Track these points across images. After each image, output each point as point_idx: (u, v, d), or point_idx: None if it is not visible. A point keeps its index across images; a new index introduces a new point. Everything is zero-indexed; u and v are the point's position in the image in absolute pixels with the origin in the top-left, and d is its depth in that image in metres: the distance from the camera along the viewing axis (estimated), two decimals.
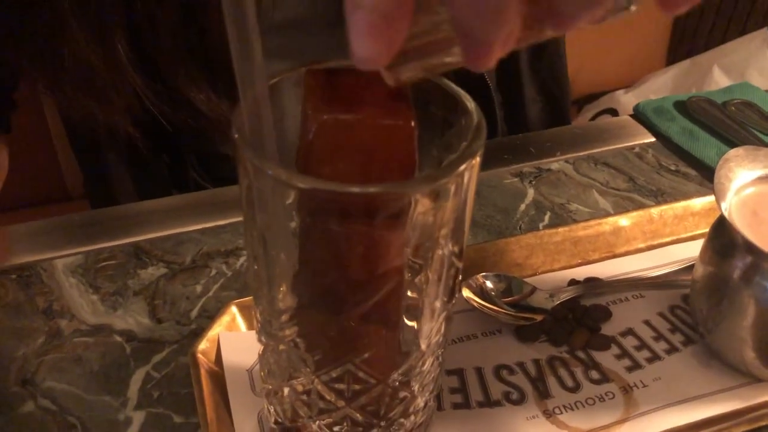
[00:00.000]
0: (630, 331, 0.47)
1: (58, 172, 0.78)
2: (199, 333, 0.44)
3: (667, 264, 0.51)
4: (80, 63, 0.52)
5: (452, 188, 0.27)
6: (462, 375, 0.44)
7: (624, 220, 0.53)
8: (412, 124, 0.28)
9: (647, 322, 0.48)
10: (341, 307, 0.30)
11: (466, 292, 0.47)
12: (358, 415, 0.32)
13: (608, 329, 0.47)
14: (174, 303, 0.48)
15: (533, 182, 0.60)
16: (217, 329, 0.44)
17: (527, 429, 0.41)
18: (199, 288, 0.49)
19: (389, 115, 0.28)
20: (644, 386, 0.44)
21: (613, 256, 0.52)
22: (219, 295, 0.49)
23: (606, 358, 0.45)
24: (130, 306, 0.48)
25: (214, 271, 0.50)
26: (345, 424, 0.33)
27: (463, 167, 0.27)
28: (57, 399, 0.42)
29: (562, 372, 0.44)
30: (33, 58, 0.54)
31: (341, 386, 0.31)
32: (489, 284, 0.47)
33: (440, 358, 0.34)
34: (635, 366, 0.45)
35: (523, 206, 0.57)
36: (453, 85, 0.30)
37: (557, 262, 0.51)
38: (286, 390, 0.33)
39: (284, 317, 0.30)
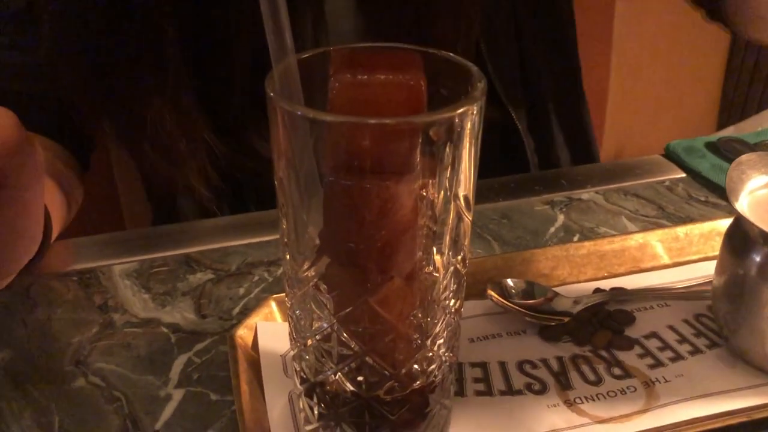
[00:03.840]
0: (654, 334, 0.48)
1: (119, 214, 0.85)
2: None
3: (692, 279, 0.53)
4: (159, 129, 0.59)
5: (456, 127, 0.30)
6: (486, 368, 0.46)
7: (650, 237, 0.55)
8: (422, 84, 0.32)
9: (671, 327, 0.49)
10: (359, 256, 0.33)
11: (491, 292, 0.49)
12: (374, 363, 0.34)
13: (632, 332, 0.48)
14: (218, 302, 0.52)
15: (564, 209, 0.62)
16: (255, 318, 0.47)
17: (548, 416, 0.42)
18: (241, 290, 0.53)
19: (401, 76, 0.32)
20: (666, 381, 0.44)
21: (639, 271, 0.54)
22: (260, 296, 0.52)
23: (629, 357, 0.46)
24: (177, 304, 0.52)
25: (256, 277, 0.54)
26: (363, 373, 0.35)
27: (463, 109, 0.30)
28: (106, 377, 0.45)
29: (585, 368, 0.46)
30: (116, 126, 0.62)
31: (358, 328, 0.34)
32: (512, 286, 0.49)
33: (452, 315, 0.36)
34: (658, 364, 0.46)
35: (552, 229, 0.59)
36: (457, 57, 0.34)
37: (583, 274, 0.53)
38: (309, 341, 0.36)
39: (307, 264, 0.33)
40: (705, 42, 1.50)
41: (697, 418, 0.41)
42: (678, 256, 0.55)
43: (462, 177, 0.33)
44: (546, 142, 0.77)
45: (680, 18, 1.47)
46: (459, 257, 0.35)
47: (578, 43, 0.78)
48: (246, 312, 0.50)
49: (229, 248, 0.57)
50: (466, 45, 0.67)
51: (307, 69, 0.34)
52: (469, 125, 0.32)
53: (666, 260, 0.55)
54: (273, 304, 0.48)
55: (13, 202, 0.38)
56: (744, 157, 0.47)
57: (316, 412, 0.38)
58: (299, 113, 0.30)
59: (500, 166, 0.70)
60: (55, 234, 0.56)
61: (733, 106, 1.54)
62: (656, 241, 0.55)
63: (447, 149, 0.32)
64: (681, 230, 0.56)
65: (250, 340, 0.46)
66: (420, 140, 0.31)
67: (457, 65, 0.34)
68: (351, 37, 0.67)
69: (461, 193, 0.34)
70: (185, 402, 0.44)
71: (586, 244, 0.54)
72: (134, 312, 0.51)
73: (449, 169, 0.33)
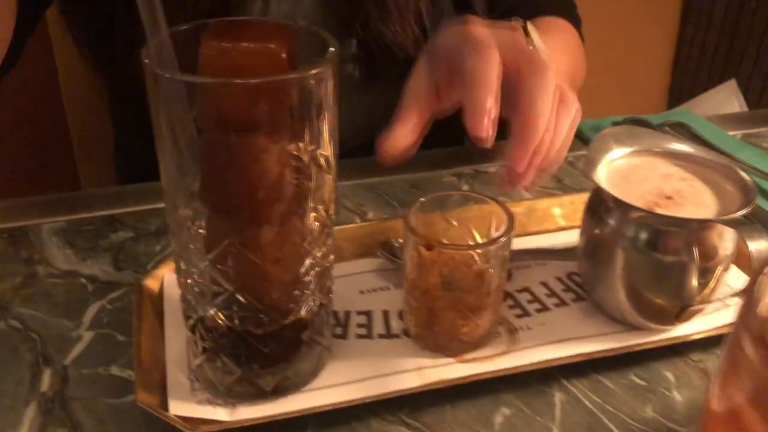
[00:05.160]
0: (526, 289, 0.53)
1: (75, 174, 0.89)
2: None
3: (572, 242, 0.58)
4: None
5: (310, 89, 0.35)
6: (370, 315, 0.51)
7: (538, 204, 0.60)
8: (282, 51, 0.36)
9: (544, 283, 0.54)
10: (229, 204, 0.38)
11: (382, 252, 0.54)
12: (244, 299, 0.39)
13: (507, 287, 0.53)
14: (135, 258, 0.56)
15: (470, 181, 0.67)
16: (164, 270, 0.52)
17: (418, 355, 0.47)
18: (158, 248, 0.57)
19: (263, 44, 0.37)
20: (529, 329, 0.49)
21: (525, 234, 0.59)
22: None
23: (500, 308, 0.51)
24: (98, 258, 0.56)
25: None
26: (235, 308, 0.40)
27: (318, 70, 0.35)
28: (24, 321, 0.50)
29: None
30: None
31: (227, 268, 0.38)
32: (400, 245, 0.54)
33: (318, 260, 0.41)
34: (524, 314, 0.51)
35: (457, 197, 0.64)
36: (320, 30, 0.38)
37: (471, 237, 0.58)
38: (189, 281, 0.40)
39: (183, 209, 0.38)
40: (653, 32, 1.56)
41: (547, 360, 0.46)
42: (563, 221, 0.60)
43: (322, 138, 0.38)
44: None
45: (628, 7, 1.53)
46: (321, 209, 0.40)
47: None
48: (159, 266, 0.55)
49: (151, 210, 0.62)
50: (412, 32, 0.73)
51: (187, 40, 0.38)
52: (324, 87, 0.36)
53: (551, 225, 0.60)
54: None
55: None
56: (609, 129, 0.52)
57: (200, 346, 0.43)
58: (168, 76, 0.35)
59: (443, 139, 0.76)
60: None
61: (682, 93, 1.60)
62: (543, 208, 0.60)
63: (306, 110, 0.37)
64: (567, 199, 0.61)
65: (156, 288, 0.50)
66: (279, 100, 0.36)
67: (318, 36, 0.38)
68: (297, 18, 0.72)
69: (321, 153, 0.38)
70: (94, 342, 0.48)
71: (474, 207, 0.58)
72: (57, 265, 0.55)
73: (309, 130, 0.37)
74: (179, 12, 0.63)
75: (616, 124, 0.76)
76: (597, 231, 0.49)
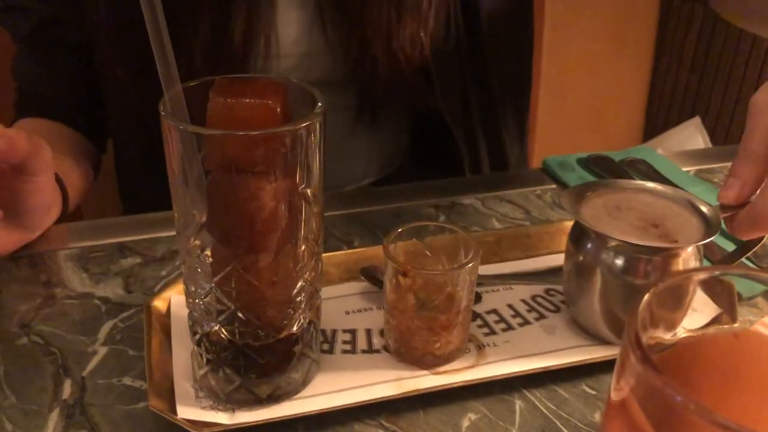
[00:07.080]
0: (494, 311, 0.59)
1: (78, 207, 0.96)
2: None
3: (537, 268, 0.64)
4: None
5: (301, 137, 0.42)
6: (354, 333, 0.57)
7: (507, 233, 0.67)
8: (277, 105, 0.43)
9: (510, 305, 0.60)
10: (231, 234, 0.44)
11: (365, 276, 0.61)
12: (244, 316, 0.45)
13: (477, 308, 0.59)
14: (144, 281, 0.62)
15: (446, 212, 0.74)
16: (170, 292, 0.58)
17: (396, 368, 0.53)
18: (164, 272, 0.64)
19: (261, 100, 0.43)
20: (495, 345, 0.56)
21: (496, 261, 0.65)
22: (178, 278, 0.63)
23: (470, 327, 0.57)
24: (110, 282, 0.62)
25: (177, 263, 0.65)
26: (236, 324, 0.46)
27: (305, 124, 0.41)
28: (45, 337, 0.56)
29: None
30: None
31: (230, 289, 0.45)
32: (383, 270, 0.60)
33: (308, 283, 0.47)
34: (491, 333, 0.57)
35: (432, 227, 0.71)
36: (309, 86, 0.45)
37: (443, 263, 0.64)
38: (197, 300, 0.46)
39: (192, 239, 0.44)
40: (627, 70, 1.64)
41: (509, 372, 0.53)
42: (529, 250, 0.66)
43: (311, 178, 0.45)
44: (475, 151, 0.89)
45: (603, 47, 1.61)
46: (311, 238, 0.46)
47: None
48: (166, 289, 0.61)
49: (158, 239, 0.68)
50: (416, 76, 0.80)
51: (199, 93, 0.45)
52: (312, 136, 0.43)
53: (519, 253, 0.66)
54: None
55: (30, 183, 0.60)
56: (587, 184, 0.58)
57: (204, 358, 0.49)
58: (181, 127, 0.41)
59: (442, 170, 0.84)
60: (74, 199, 0.73)
61: (656, 128, 1.68)
62: (511, 237, 0.67)
63: (297, 155, 0.43)
64: (533, 229, 0.67)
65: (164, 309, 0.57)
66: (275, 147, 0.43)
67: (307, 92, 0.45)
68: (303, 57, 0.79)
69: (310, 191, 0.45)
70: (108, 356, 0.54)
71: (447, 236, 0.65)
72: (73, 287, 0.61)
73: (300, 171, 0.44)
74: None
75: (580, 160, 0.83)
76: (579, 257, 0.55)
